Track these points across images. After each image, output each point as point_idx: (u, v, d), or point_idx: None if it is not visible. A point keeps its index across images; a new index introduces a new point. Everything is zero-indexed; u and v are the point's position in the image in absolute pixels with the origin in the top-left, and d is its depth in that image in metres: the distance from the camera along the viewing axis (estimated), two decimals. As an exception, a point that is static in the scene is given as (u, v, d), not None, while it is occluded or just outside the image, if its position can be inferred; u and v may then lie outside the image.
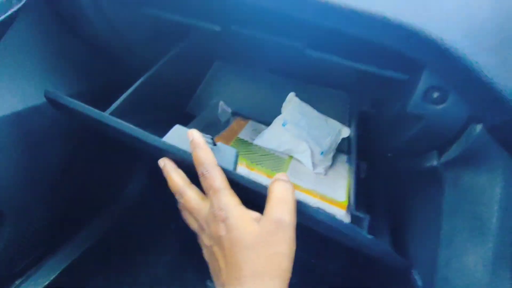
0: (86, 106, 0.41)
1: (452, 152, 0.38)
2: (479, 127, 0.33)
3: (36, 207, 0.56)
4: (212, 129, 0.64)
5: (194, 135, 0.36)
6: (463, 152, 0.36)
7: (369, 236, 0.37)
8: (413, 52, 0.32)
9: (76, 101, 0.41)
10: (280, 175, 0.34)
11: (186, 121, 0.69)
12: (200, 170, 0.33)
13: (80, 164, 0.63)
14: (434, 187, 0.43)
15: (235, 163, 0.41)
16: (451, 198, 0.40)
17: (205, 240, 0.34)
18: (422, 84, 0.34)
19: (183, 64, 0.62)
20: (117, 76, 0.60)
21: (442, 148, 0.40)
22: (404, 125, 0.43)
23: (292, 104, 0.62)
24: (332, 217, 0.36)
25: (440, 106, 0.34)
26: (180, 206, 0.40)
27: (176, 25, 0.54)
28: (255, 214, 0.32)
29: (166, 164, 0.37)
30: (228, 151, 0.41)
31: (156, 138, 0.38)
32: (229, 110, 0.68)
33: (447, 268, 0.39)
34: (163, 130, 0.45)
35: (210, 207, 0.32)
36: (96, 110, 0.41)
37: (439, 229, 0.41)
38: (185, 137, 0.42)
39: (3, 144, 0.46)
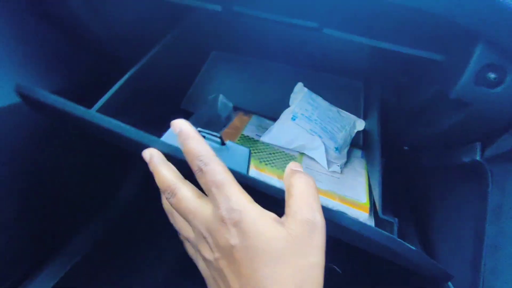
0: (68, 102, 0.34)
1: (502, 144, 0.32)
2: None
3: (16, 218, 0.50)
4: (212, 127, 0.58)
5: (182, 125, 0.29)
6: (519, 143, 0.30)
7: (413, 248, 0.31)
8: (471, 18, 0.26)
9: (55, 96, 0.35)
10: (294, 165, 0.28)
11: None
12: (195, 164, 0.26)
13: (64, 169, 0.56)
14: (473, 184, 0.38)
15: (248, 165, 0.35)
16: (498, 197, 0.34)
17: (205, 253, 0.26)
18: (475, 63, 0.28)
19: (176, 55, 0.56)
20: (103, 72, 0.53)
21: (485, 139, 0.35)
22: (439, 115, 0.37)
23: (301, 95, 0.56)
24: (370, 228, 0.30)
25: (495, 90, 0.29)
26: (166, 207, 0.33)
27: (169, 8, 0.48)
28: (273, 215, 0.25)
29: (153, 156, 0.30)
30: (239, 151, 0.35)
31: (154, 138, 0.32)
32: (230, 104, 0.61)
33: (496, 279, 0.34)
34: (157, 129, 0.39)
35: (215, 208, 0.25)
36: (80, 107, 0.34)
37: (481, 233, 0.36)
38: None
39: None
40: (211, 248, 0.25)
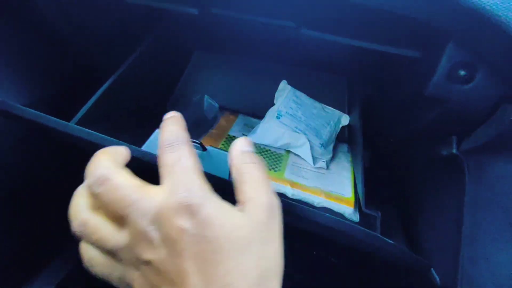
0: (47, 116, 0.34)
1: (477, 137, 0.33)
2: (512, 108, 0.29)
3: (5, 225, 0.49)
4: (199, 128, 0.58)
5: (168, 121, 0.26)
6: (491, 137, 0.31)
7: (390, 241, 0.32)
8: (441, 20, 0.26)
9: (33, 111, 0.35)
10: (242, 145, 0.25)
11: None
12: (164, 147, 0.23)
13: (45, 179, 0.56)
14: (452, 177, 0.39)
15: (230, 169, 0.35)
16: (474, 189, 0.35)
17: (146, 253, 0.21)
18: (446, 61, 0.28)
19: (157, 57, 0.55)
20: (84, 80, 0.52)
21: (461, 133, 0.36)
22: (417, 110, 0.38)
23: (285, 93, 0.56)
24: (348, 224, 0.31)
25: (467, 86, 0.29)
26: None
27: (146, 12, 0.47)
28: (229, 204, 0.23)
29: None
30: (220, 155, 0.36)
31: (134, 148, 0.32)
32: (216, 104, 0.61)
33: (473, 268, 0.35)
34: (143, 134, 0.39)
35: (168, 195, 0.21)
36: (59, 120, 0.34)
37: (460, 223, 0.37)
38: None
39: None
40: (154, 245, 0.20)
